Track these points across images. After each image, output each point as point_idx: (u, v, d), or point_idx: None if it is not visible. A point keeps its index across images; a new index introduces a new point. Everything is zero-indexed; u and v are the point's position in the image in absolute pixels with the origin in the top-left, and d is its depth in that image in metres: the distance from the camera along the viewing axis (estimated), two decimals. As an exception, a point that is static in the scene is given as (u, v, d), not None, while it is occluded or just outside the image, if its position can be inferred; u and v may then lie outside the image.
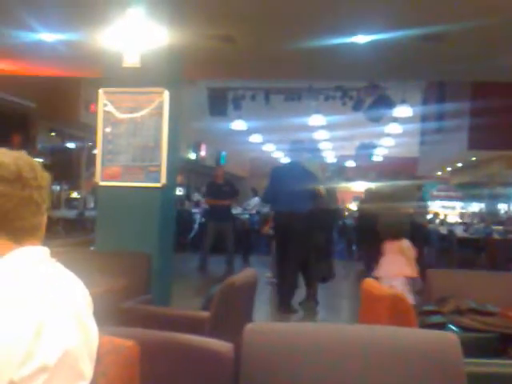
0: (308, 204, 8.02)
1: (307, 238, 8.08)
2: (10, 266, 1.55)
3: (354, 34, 7.08)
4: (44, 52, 8.31)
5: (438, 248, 13.40)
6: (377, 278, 7.19)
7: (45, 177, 1.66)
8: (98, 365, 1.60)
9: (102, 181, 5.26)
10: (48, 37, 7.56)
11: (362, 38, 7.22)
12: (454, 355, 2.05)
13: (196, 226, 16.18)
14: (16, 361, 1.37)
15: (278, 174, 8.53)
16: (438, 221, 17.38)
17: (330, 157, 26.04)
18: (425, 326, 3.38)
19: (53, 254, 1.66)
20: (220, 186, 11.80)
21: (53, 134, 13.31)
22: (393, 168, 19.39)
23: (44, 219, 1.67)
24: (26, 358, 1.37)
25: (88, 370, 1.53)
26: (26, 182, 1.59)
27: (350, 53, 7.81)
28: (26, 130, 11.58)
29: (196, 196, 20.87)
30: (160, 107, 5.12)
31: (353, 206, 20.68)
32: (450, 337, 2.12)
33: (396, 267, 6.12)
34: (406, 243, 6.30)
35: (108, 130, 5.21)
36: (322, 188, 8.25)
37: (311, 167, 8.40)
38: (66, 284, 1.60)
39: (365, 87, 13.11)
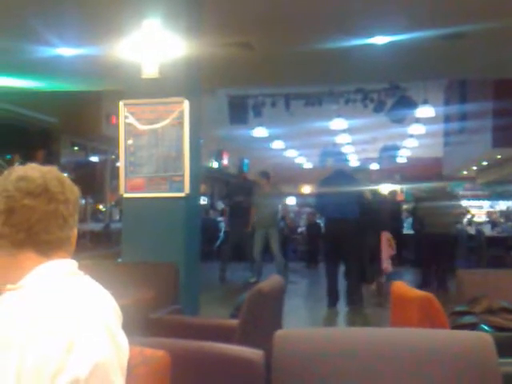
0: (356, 209, 8.55)
1: (358, 242, 8.66)
2: (39, 280, 1.55)
3: (372, 35, 7.05)
4: (63, 67, 8.39)
5: (466, 248, 13.28)
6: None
7: (74, 191, 1.67)
8: (129, 376, 1.59)
9: (126, 192, 5.26)
10: (66, 51, 7.63)
11: (380, 39, 7.19)
12: (489, 355, 2.01)
13: (221, 235, 16.20)
14: (48, 375, 1.36)
15: (326, 183, 9.11)
16: (465, 220, 17.20)
17: (353, 160, 25.92)
18: (456, 326, 3.33)
19: (80, 267, 1.66)
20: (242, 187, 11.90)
21: (76, 148, 13.41)
22: (417, 169, 19.26)
23: (73, 233, 1.67)
24: (57, 372, 1.37)
25: (119, 381, 1.52)
26: (53, 195, 1.59)
27: (369, 54, 7.78)
28: (49, 146, 11.69)
29: (220, 205, 20.88)
30: (181, 117, 5.12)
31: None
32: (484, 337, 2.09)
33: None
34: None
35: (130, 141, 5.21)
36: (368, 193, 8.81)
37: (361, 174, 8.99)
38: (95, 296, 1.60)
39: (385, 89, 13.03)
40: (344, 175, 8.93)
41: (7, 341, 1.36)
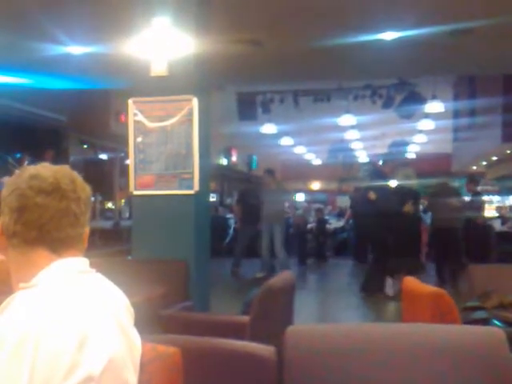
0: (366, 206, 9.27)
1: (370, 236, 9.55)
2: (51, 278, 1.55)
3: (381, 30, 7.03)
4: (72, 65, 8.40)
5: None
6: None
7: (85, 189, 1.67)
8: (142, 372, 1.60)
9: (136, 190, 5.27)
10: (76, 49, 7.64)
11: (389, 35, 7.17)
12: (501, 350, 2.01)
13: (231, 232, 16.20)
14: (62, 372, 1.37)
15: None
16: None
17: (362, 156, 25.86)
18: (468, 322, 3.32)
19: (91, 265, 1.67)
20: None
21: (85, 146, 13.43)
22: (427, 165, 19.19)
23: (85, 231, 1.68)
24: (71, 368, 1.38)
25: (132, 378, 1.53)
26: (64, 193, 1.60)
27: (378, 50, 7.76)
28: (58, 144, 11.70)
29: (229, 201, 20.88)
30: (190, 114, 5.12)
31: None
32: (496, 332, 2.08)
33: None
34: None
35: (139, 139, 5.22)
36: (371, 193, 9.17)
37: (404, 173, 9.39)
38: (107, 294, 1.61)
39: (394, 84, 12.98)
40: (376, 174, 9.74)
41: (21, 338, 1.37)
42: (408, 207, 9.38)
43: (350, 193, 18.31)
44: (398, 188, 9.55)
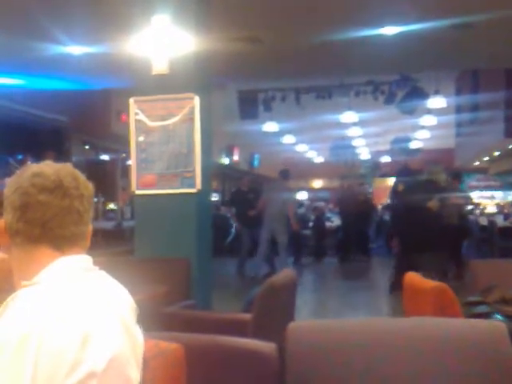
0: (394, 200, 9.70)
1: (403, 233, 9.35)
2: (54, 275, 1.55)
3: (381, 25, 7.02)
4: (73, 65, 8.41)
5: (478, 238, 13.22)
6: None
7: (88, 187, 1.68)
8: (144, 369, 1.61)
9: (138, 189, 5.27)
10: (76, 49, 7.64)
11: (390, 30, 7.16)
12: (503, 344, 2.01)
13: (233, 231, 16.18)
14: (64, 369, 1.37)
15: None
16: (477, 211, 17.09)
17: (364, 153, 25.86)
18: (470, 316, 3.32)
19: (95, 264, 1.67)
20: (245, 193, 12.01)
21: (86, 146, 13.44)
22: (430, 160, 19.14)
23: (88, 229, 1.68)
24: (74, 365, 1.38)
25: (135, 374, 1.54)
26: (67, 191, 1.60)
27: (379, 45, 7.76)
28: (60, 145, 11.71)
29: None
30: (191, 113, 5.11)
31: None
32: (498, 325, 2.09)
33: None
34: None
35: (141, 138, 5.21)
36: (399, 185, 9.40)
37: (434, 172, 9.35)
38: (110, 291, 1.61)
39: (396, 80, 12.94)
40: (402, 171, 9.89)
41: (24, 335, 1.37)
42: (432, 203, 9.24)
43: (337, 189, 18.22)
44: (426, 183, 9.38)
